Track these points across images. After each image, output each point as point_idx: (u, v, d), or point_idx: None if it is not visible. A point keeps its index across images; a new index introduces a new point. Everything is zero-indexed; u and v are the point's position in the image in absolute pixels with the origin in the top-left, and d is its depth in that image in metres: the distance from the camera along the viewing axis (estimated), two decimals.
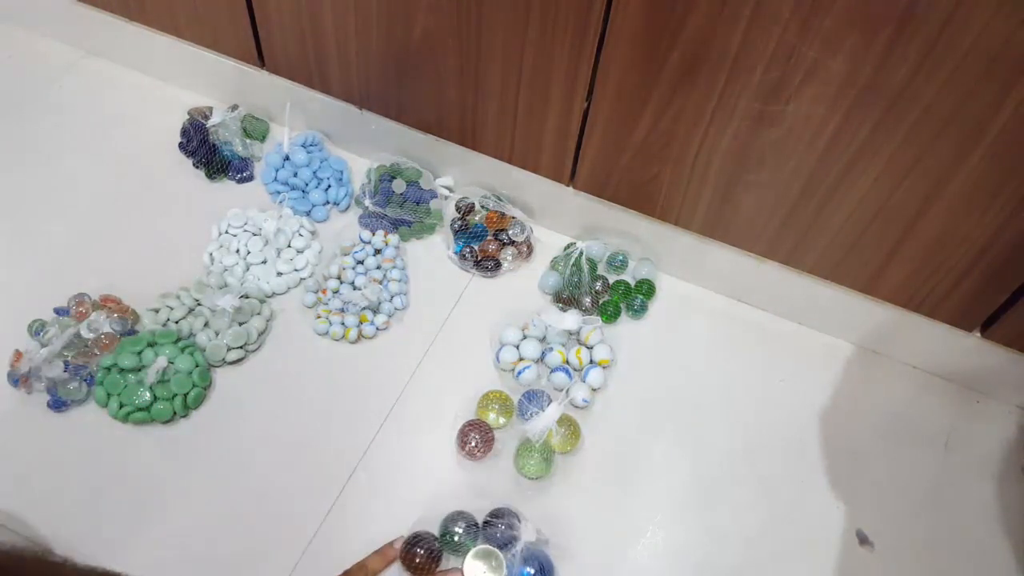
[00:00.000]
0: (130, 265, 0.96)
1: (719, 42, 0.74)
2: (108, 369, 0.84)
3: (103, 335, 0.86)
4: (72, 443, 0.82)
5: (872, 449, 0.90)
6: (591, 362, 0.91)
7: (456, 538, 0.77)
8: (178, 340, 0.86)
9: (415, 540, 0.77)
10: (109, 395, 0.83)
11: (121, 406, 0.83)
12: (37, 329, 0.87)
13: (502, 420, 0.87)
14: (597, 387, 0.90)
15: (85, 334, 0.86)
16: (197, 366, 0.85)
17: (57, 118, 1.10)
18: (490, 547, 0.77)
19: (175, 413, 0.84)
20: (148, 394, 0.82)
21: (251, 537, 0.78)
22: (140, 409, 0.82)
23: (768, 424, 0.91)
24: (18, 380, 0.83)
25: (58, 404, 0.83)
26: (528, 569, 0.76)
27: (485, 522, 0.79)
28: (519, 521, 0.77)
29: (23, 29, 1.19)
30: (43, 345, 0.84)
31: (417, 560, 0.76)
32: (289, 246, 0.98)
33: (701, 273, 1.00)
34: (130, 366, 0.83)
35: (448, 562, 0.78)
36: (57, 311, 0.89)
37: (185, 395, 0.84)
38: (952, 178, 0.76)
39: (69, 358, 0.85)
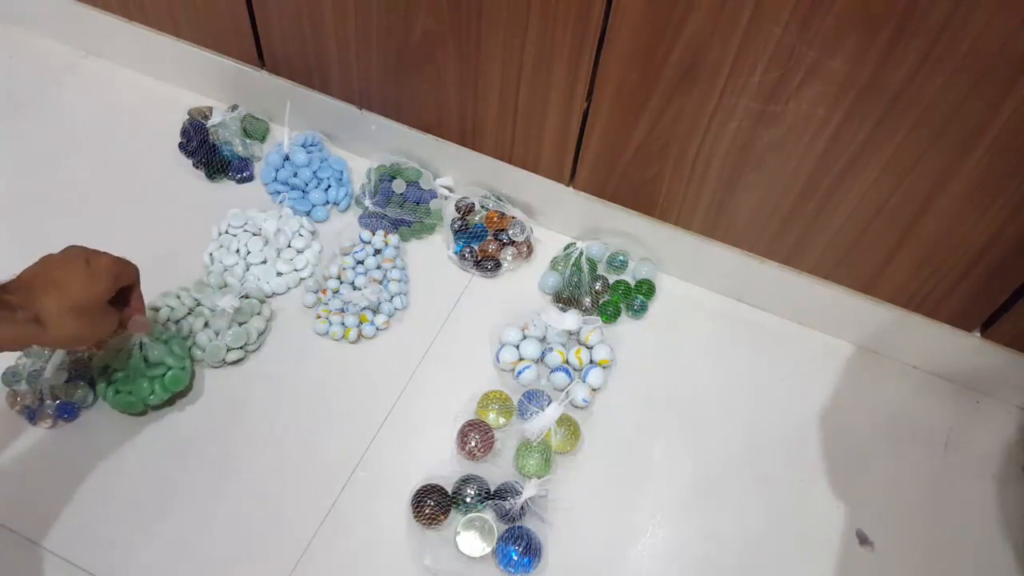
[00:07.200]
0: None
1: (719, 42, 0.74)
2: (105, 369, 0.84)
3: None
4: (71, 444, 0.83)
5: (872, 449, 0.90)
6: (591, 362, 0.91)
7: (467, 499, 0.80)
8: (161, 335, 0.85)
9: (429, 489, 0.80)
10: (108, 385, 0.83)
11: (116, 391, 0.82)
12: (12, 373, 0.84)
13: (502, 420, 0.87)
14: (597, 387, 0.90)
15: None
16: (172, 353, 0.84)
17: (57, 118, 1.10)
18: (480, 515, 0.79)
19: (153, 392, 0.82)
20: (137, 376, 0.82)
21: (251, 537, 0.78)
22: (122, 392, 0.82)
23: (768, 424, 0.91)
24: (36, 415, 0.82)
25: (71, 412, 0.83)
26: (516, 547, 0.77)
27: (495, 492, 0.81)
28: (521, 488, 0.80)
29: (23, 29, 1.19)
30: (29, 381, 0.83)
31: (427, 510, 0.79)
32: (289, 246, 0.98)
33: (701, 273, 1.00)
34: (122, 365, 0.83)
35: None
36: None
37: (163, 376, 0.82)
38: (952, 178, 0.76)
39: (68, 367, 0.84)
